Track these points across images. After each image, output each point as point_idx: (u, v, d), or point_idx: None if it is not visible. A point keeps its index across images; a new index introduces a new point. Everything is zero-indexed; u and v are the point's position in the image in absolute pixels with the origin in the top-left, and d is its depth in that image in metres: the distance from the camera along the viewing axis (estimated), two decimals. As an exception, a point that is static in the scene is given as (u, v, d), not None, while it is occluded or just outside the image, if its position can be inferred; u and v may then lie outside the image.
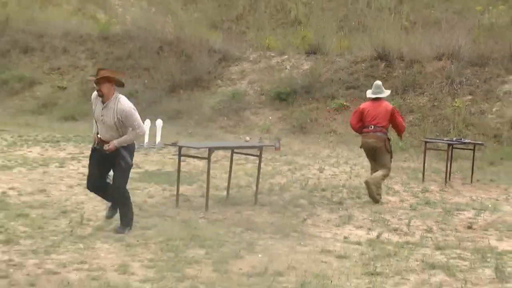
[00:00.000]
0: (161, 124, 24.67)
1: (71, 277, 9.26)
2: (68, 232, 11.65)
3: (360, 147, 17.39)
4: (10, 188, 15.38)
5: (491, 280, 10.01)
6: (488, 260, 11.09)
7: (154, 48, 33.14)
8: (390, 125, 17.01)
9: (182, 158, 14.97)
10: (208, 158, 14.42)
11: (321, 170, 20.89)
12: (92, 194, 15.31)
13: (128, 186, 16.40)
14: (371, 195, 16.30)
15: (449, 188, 18.69)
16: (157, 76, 31.85)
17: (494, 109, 25.98)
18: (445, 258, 11.18)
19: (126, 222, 12.01)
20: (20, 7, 40.12)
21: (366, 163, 22.91)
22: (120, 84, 11.59)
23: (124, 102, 11.55)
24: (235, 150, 16.51)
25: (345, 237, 12.35)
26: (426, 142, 20.67)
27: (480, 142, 21.85)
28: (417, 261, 10.90)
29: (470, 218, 14.92)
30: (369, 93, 17.21)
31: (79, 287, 8.83)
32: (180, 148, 14.94)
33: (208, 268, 9.94)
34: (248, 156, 17.57)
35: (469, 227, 13.90)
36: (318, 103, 27.86)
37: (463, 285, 9.70)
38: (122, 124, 11.47)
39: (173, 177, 15.22)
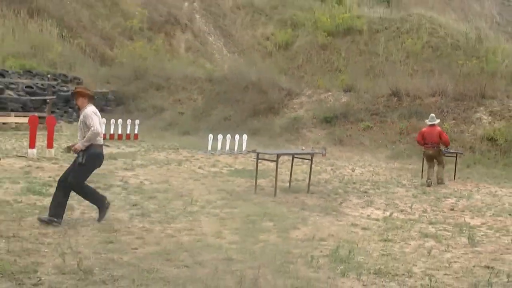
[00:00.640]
0: (246, 138, 24.74)
1: (184, 239, 9.39)
2: (182, 209, 11.76)
3: (423, 155, 19.20)
4: (145, 179, 15.52)
5: (465, 245, 9.98)
6: (464, 231, 11.01)
7: (242, 86, 33.20)
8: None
9: (259, 160, 15.05)
10: (276, 161, 14.49)
11: (353, 169, 20.80)
12: (198, 184, 15.52)
13: (222, 179, 16.64)
14: (440, 183, 18.26)
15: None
16: (244, 105, 31.92)
17: (470, 129, 25.77)
18: (435, 230, 11.13)
19: (100, 205, 10.35)
20: (155, 60, 40.44)
21: (385, 165, 22.97)
22: (91, 98, 10.38)
23: (88, 109, 10.19)
24: (295, 156, 16.58)
25: (367, 215, 12.32)
26: (424, 152, 20.54)
27: (460, 152, 21.76)
28: (416, 232, 10.89)
29: (452, 203, 14.76)
30: (427, 121, 18.96)
31: (188, 246, 8.93)
32: (257, 154, 15.06)
33: (275, 235, 10.00)
34: (303, 159, 17.54)
35: (452, 209, 13.78)
36: (351, 124, 27.78)
37: (446, 248, 9.73)
38: (85, 125, 10.14)
39: (253, 173, 15.23)
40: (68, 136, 26.61)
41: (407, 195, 15.80)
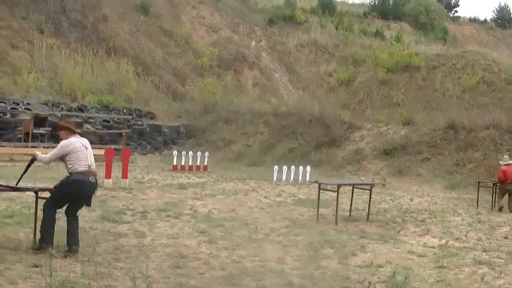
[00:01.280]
0: (310, 169, 24.66)
1: (248, 264, 9.37)
2: (247, 236, 11.73)
3: (499, 188, 19.26)
4: (214, 208, 15.56)
5: (519, 273, 9.76)
6: (518, 260, 10.79)
7: (306, 120, 33.14)
8: None
9: (321, 190, 14.98)
10: (337, 191, 14.40)
11: (411, 199, 20.51)
12: (263, 213, 15.50)
13: (286, 208, 16.59)
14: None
15: (494, 212, 18.20)
16: (308, 138, 31.84)
17: (525, 161, 25.25)
18: (488, 257, 10.87)
19: (41, 239, 9.41)
20: (224, 95, 40.76)
21: (442, 195, 22.61)
22: (71, 131, 9.90)
23: (64, 141, 9.69)
24: (355, 186, 16.44)
25: (424, 243, 12.09)
26: (479, 182, 20.37)
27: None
28: (470, 259, 10.65)
29: (506, 231, 14.43)
30: (501, 162, 19.57)
31: (252, 271, 8.91)
32: (319, 184, 14.98)
33: (335, 262, 9.90)
34: (364, 189, 17.37)
35: (505, 237, 13.48)
36: (410, 156, 27.43)
37: (498, 275, 9.56)
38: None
39: (316, 203, 15.14)
40: (142, 167, 26.96)
41: (463, 223, 15.50)
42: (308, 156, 30.06)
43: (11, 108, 29.04)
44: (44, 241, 9.34)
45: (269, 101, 42.53)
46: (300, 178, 24.16)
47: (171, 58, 44.66)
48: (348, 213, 15.67)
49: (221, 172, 26.51)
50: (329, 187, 15.69)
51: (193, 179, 23.05)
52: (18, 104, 29.71)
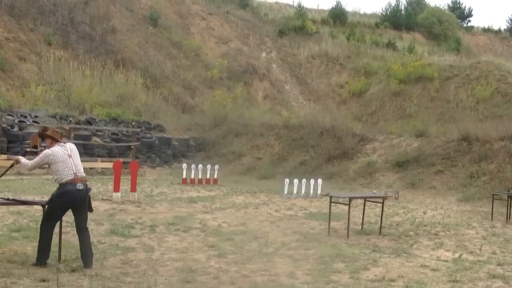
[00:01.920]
0: (321, 182, 24.65)
1: (258, 279, 9.37)
2: (257, 250, 11.73)
3: None
4: (223, 222, 15.59)
5: (536, 288, 9.70)
6: (534, 274, 10.72)
7: (317, 133, 33.14)
8: None
9: (332, 204, 14.96)
10: (349, 204, 14.38)
11: (424, 212, 20.44)
12: (274, 226, 15.50)
13: (297, 222, 16.58)
14: None
15: (508, 225, 18.09)
16: (319, 150, 31.83)
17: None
18: (503, 271, 10.81)
19: (39, 259, 9.40)
20: (234, 107, 40.78)
21: (456, 208, 22.52)
22: (55, 140, 9.73)
23: (47, 149, 9.68)
24: (367, 199, 16.42)
25: (437, 257, 12.03)
26: (494, 195, 20.21)
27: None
28: (484, 273, 10.59)
29: (524, 245, 14.41)
30: None
31: (262, 285, 8.91)
32: (331, 197, 14.98)
33: (346, 276, 9.89)
34: (376, 202, 17.33)
35: (522, 252, 13.45)
36: (423, 168, 27.36)
37: (515, 291, 9.47)
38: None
39: (327, 216, 15.12)
40: (151, 180, 27.01)
41: (477, 237, 15.43)
42: (319, 169, 30.06)
43: (18, 121, 29.20)
44: (38, 258, 9.42)
45: (279, 113, 42.60)
46: (311, 191, 24.14)
47: (181, 70, 44.78)
48: (360, 227, 15.64)
49: (231, 186, 26.53)
50: (340, 200, 15.68)
51: (203, 193, 23.07)
52: (26, 117, 29.88)
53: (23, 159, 9.91)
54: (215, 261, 10.59)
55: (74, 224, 9.80)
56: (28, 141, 28.09)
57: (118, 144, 31.73)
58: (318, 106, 46.98)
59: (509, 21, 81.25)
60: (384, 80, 46.66)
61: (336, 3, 65.68)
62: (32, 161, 9.77)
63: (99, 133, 32.01)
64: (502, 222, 18.50)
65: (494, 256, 12.51)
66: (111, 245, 11.40)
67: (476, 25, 75.80)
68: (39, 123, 29.18)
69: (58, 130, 10.16)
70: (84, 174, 9.79)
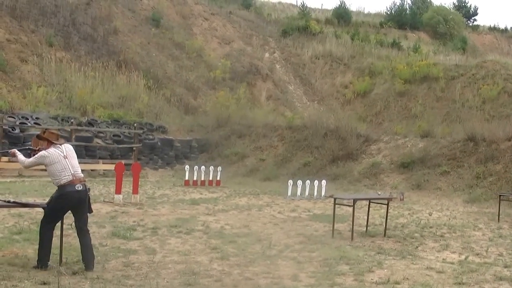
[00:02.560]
0: (325, 183, 24.65)
1: (261, 282, 9.37)
2: (260, 253, 11.74)
3: None
4: (226, 224, 15.60)
5: (543, 290, 9.69)
6: (542, 276, 10.70)
7: (322, 134, 33.14)
8: None
9: (336, 205, 14.94)
10: (353, 206, 14.38)
11: (430, 214, 20.41)
12: (277, 228, 15.50)
13: (300, 223, 16.59)
14: None
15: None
16: (323, 151, 31.84)
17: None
18: (509, 273, 10.79)
19: (40, 261, 9.44)
20: (237, 108, 40.77)
21: (462, 209, 22.50)
22: (50, 142, 9.62)
23: (42, 151, 9.59)
24: (372, 200, 16.41)
25: (443, 259, 12.02)
26: (500, 196, 20.21)
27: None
28: (490, 275, 10.56)
29: (530, 247, 14.39)
30: None
31: (265, 288, 8.93)
32: (335, 199, 14.97)
33: (350, 278, 9.88)
34: (381, 204, 17.32)
35: (529, 253, 13.43)
36: (429, 169, 27.35)
37: (522, 293, 9.47)
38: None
39: (331, 218, 15.11)
40: (153, 182, 27.02)
41: (483, 238, 15.41)
42: (323, 170, 30.07)
43: (20, 123, 29.24)
44: (39, 260, 9.42)
45: (283, 114, 42.61)
46: (315, 193, 24.14)
47: (183, 71, 44.79)
48: (365, 229, 15.64)
49: (234, 187, 26.54)
50: (345, 201, 15.66)
51: (206, 194, 23.09)
52: (27, 118, 29.91)
53: (20, 155, 9.92)
54: (217, 263, 10.59)
55: (75, 225, 9.81)
56: (29, 143, 28.14)
57: (120, 146, 31.76)
58: (322, 107, 46.96)
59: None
60: (389, 80, 46.59)
61: (340, 3, 65.51)
62: (28, 159, 9.78)
63: (101, 134, 32.02)
64: (509, 223, 18.47)
65: (501, 258, 12.48)
66: (113, 248, 11.41)
67: (482, 24, 75.71)
68: (40, 124, 29.17)
69: (54, 132, 10.11)
70: (82, 175, 9.78)
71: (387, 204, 15.55)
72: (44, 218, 9.62)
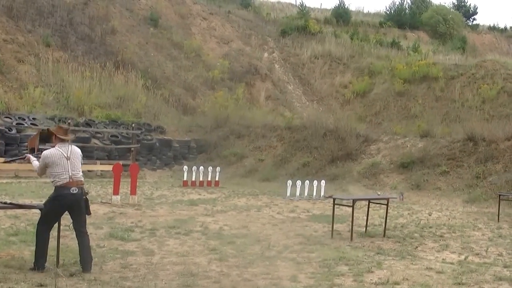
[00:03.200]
0: (324, 183, 24.62)
1: (260, 283, 9.34)
2: (259, 254, 11.71)
3: None
4: (225, 225, 15.58)
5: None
6: (542, 276, 10.69)
7: (321, 134, 33.14)
8: None
9: (336, 205, 14.94)
10: (352, 206, 14.37)
11: (429, 214, 20.41)
12: (276, 229, 15.47)
13: (299, 224, 16.56)
14: None
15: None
16: (322, 151, 31.85)
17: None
18: (509, 273, 10.77)
19: (37, 263, 9.34)
20: (236, 108, 40.74)
21: (461, 209, 22.54)
22: (58, 138, 9.54)
23: (45, 151, 9.61)
24: (371, 200, 16.39)
25: (442, 259, 12.00)
26: (500, 195, 20.26)
27: None
28: (490, 275, 10.54)
29: (530, 247, 14.38)
30: None
31: (264, 290, 8.91)
32: (334, 199, 14.94)
33: (350, 279, 9.85)
34: (380, 204, 17.29)
35: (529, 253, 13.43)
36: (428, 169, 27.38)
37: (522, 293, 9.46)
38: None
39: (330, 218, 15.09)
40: (151, 183, 27.00)
41: (483, 238, 15.41)
42: (322, 171, 30.08)
43: (16, 124, 29.21)
44: (36, 262, 9.36)
45: (282, 114, 42.56)
46: (314, 193, 24.13)
47: (181, 71, 44.74)
48: (364, 229, 15.62)
49: (233, 188, 26.53)
50: (344, 202, 15.65)
51: (204, 195, 23.07)
52: (24, 119, 29.89)
53: (35, 161, 9.84)
54: (216, 264, 10.56)
55: (73, 227, 9.76)
56: (26, 144, 28.17)
57: (117, 147, 31.75)
58: (321, 107, 46.94)
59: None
60: (388, 80, 46.57)
61: (339, 2, 65.45)
62: (37, 164, 9.70)
63: (99, 135, 32.01)
64: (509, 223, 18.49)
65: (501, 258, 12.47)
66: (111, 249, 11.38)
67: (481, 24, 75.72)
68: (37, 125, 29.17)
69: (63, 126, 10.05)
70: (81, 178, 9.67)
71: (387, 204, 15.55)
72: (40, 219, 9.58)
